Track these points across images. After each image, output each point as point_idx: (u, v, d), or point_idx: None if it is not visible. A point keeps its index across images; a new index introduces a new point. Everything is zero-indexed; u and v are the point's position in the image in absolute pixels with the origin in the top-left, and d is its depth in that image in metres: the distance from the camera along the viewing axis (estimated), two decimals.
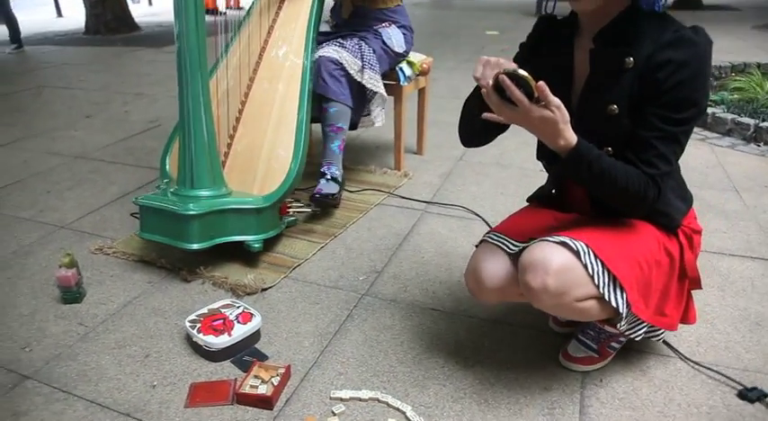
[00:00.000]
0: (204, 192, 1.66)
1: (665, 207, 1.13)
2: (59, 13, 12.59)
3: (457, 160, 2.61)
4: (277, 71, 1.94)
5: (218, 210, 1.63)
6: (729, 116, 3.08)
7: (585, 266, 1.02)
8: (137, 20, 8.50)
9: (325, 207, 1.99)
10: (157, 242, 1.67)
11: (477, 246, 1.25)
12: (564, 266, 1.02)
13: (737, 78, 3.97)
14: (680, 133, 1.01)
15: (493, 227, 1.28)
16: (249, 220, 1.68)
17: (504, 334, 1.44)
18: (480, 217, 2.04)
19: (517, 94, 0.93)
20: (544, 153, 1.21)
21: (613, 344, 1.27)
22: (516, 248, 1.15)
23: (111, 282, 1.69)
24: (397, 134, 2.38)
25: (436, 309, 1.54)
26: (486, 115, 1.00)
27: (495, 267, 1.16)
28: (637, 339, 1.17)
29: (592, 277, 1.03)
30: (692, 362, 1.31)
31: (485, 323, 1.48)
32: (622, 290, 1.04)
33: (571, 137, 0.98)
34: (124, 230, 2.02)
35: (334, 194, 1.95)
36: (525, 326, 1.46)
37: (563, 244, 1.04)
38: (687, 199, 1.20)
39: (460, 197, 2.22)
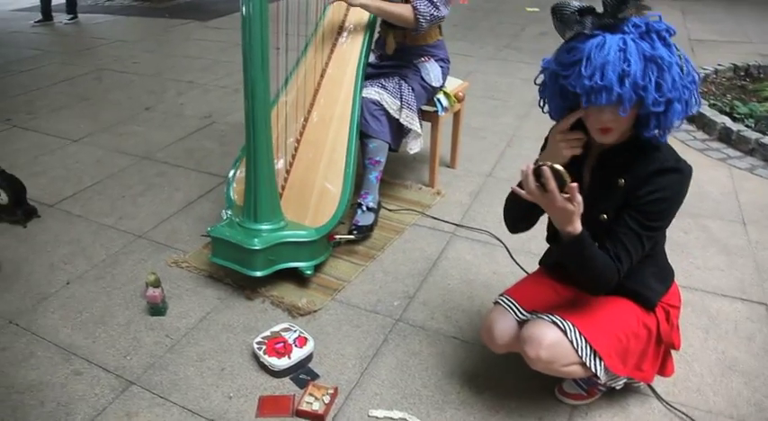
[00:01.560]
0: (265, 226, 1.96)
1: (644, 289, 1.38)
2: None
3: (486, 176, 2.85)
4: (329, 112, 2.20)
5: (278, 243, 1.93)
6: (754, 135, 3.19)
7: (571, 342, 1.30)
8: None
9: (363, 237, 2.28)
10: (226, 267, 1.99)
11: (494, 304, 1.52)
12: (554, 342, 1.30)
13: None
14: (645, 237, 1.25)
15: (506, 291, 1.54)
16: (303, 250, 1.99)
17: (512, 365, 1.72)
18: (503, 243, 2.29)
19: (552, 184, 1.14)
20: (552, 234, 1.46)
21: (600, 387, 1.55)
22: (524, 317, 1.42)
23: (188, 296, 2.03)
24: (432, 156, 2.63)
25: (457, 338, 1.84)
26: (514, 189, 1.24)
27: (505, 328, 1.44)
28: (618, 388, 1.45)
29: (576, 350, 1.30)
30: (665, 402, 1.59)
31: (496, 354, 1.77)
32: (601, 359, 1.32)
33: (578, 227, 1.21)
34: (192, 242, 2.35)
35: (370, 225, 2.25)
36: None
37: (554, 323, 1.31)
38: (667, 280, 1.45)
39: (487, 219, 2.48)
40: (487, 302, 1.98)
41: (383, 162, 2.29)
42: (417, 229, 2.41)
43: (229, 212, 2.12)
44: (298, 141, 2.21)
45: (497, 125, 3.46)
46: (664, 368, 1.50)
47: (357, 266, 2.15)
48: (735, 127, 3.32)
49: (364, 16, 2.32)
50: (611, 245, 1.26)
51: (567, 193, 1.15)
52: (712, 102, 3.80)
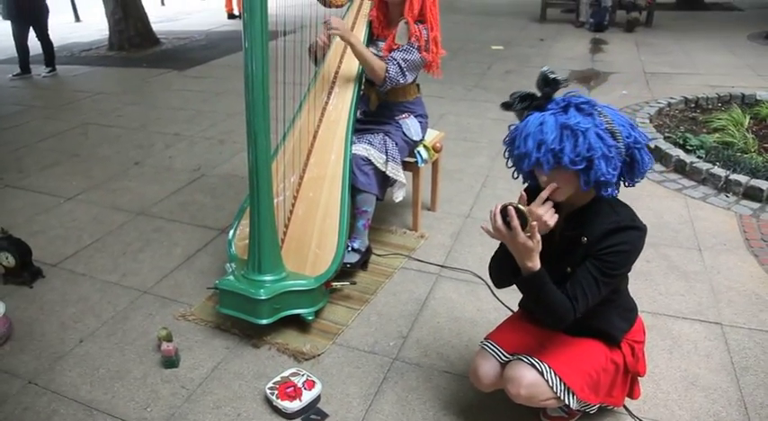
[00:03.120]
0: (269, 277, 2.14)
1: (611, 328, 1.59)
2: (77, 18, 13.00)
3: (465, 217, 3.08)
4: (323, 170, 2.41)
5: (281, 292, 2.11)
6: (705, 166, 3.50)
7: (547, 381, 1.49)
8: (153, 24, 8.86)
9: (349, 271, 2.47)
10: (233, 316, 2.16)
11: (479, 348, 1.70)
12: (532, 382, 1.50)
13: (720, 117, 4.34)
14: (602, 282, 1.42)
15: (489, 335, 1.72)
16: (304, 297, 2.17)
17: (500, 394, 1.90)
18: (484, 281, 2.50)
19: (515, 222, 1.34)
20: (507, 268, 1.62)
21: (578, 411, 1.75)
22: (505, 359, 1.62)
23: (198, 347, 2.18)
24: (415, 202, 2.84)
25: (449, 372, 2.03)
26: (483, 227, 1.43)
27: (489, 370, 1.64)
28: (591, 412, 1.66)
29: (551, 388, 1.49)
30: (638, 418, 1.79)
31: None
32: (574, 393, 1.51)
33: (537, 263, 1.39)
34: (196, 295, 2.50)
35: (353, 263, 2.46)
36: None
37: (533, 365, 1.51)
38: (630, 318, 1.65)
39: (468, 259, 2.69)
40: (474, 338, 2.18)
41: (370, 211, 2.50)
42: (405, 272, 2.60)
43: (233, 265, 2.28)
44: (295, 198, 2.41)
45: (472, 166, 3.71)
46: (632, 392, 1.71)
47: (353, 310, 2.33)
48: (688, 159, 3.63)
49: (352, 73, 2.56)
50: (571, 287, 1.43)
51: (528, 232, 1.35)
52: (667, 134, 4.13)
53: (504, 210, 1.37)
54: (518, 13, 10.52)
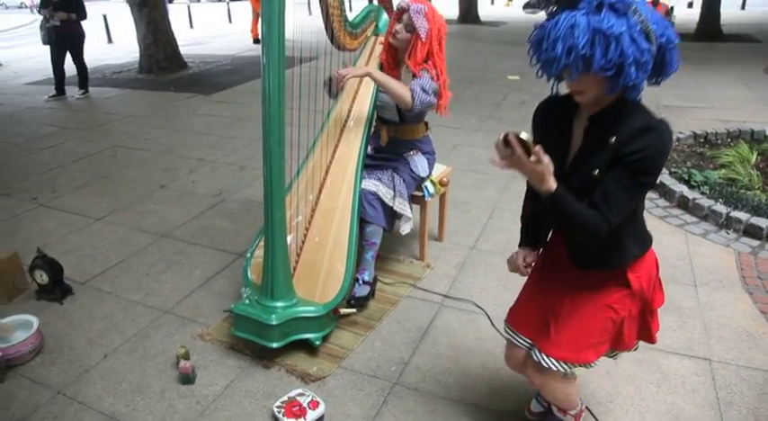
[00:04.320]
0: (281, 304, 2.30)
1: (622, 251, 1.54)
2: (110, 40, 13.56)
3: (470, 248, 3.22)
4: (334, 203, 2.58)
5: (292, 318, 2.27)
6: (707, 202, 3.60)
7: (557, 370, 1.62)
8: (181, 47, 9.22)
9: (360, 306, 2.62)
10: (246, 338, 2.32)
11: (504, 332, 1.84)
12: (543, 382, 1.69)
13: (727, 153, 4.44)
14: (635, 192, 1.39)
15: (507, 317, 1.83)
16: (313, 323, 2.32)
17: (492, 419, 2.04)
18: (484, 311, 2.63)
19: (518, 150, 1.32)
20: (529, 195, 1.72)
21: None
22: (524, 343, 1.74)
23: (213, 366, 2.34)
24: (422, 233, 3.00)
25: (446, 398, 2.16)
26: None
27: (513, 358, 1.81)
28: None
29: (558, 371, 1.63)
30: None
31: (479, 410, 2.09)
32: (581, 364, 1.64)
33: (552, 184, 1.37)
34: (213, 316, 2.67)
35: (365, 296, 2.62)
36: (507, 414, 2.07)
37: (540, 364, 1.63)
38: (644, 245, 1.59)
39: (471, 289, 2.83)
40: (472, 365, 2.31)
41: (378, 243, 2.66)
42: (410, 301, 2.75)
43: (248, 290, 2.45)
44: (307, 228, 2.58)
45: (480, 198, 3.86)
46: (649, 334, 1.73)
47: (358, 336, 2.48)
48: (691, 195, 3.73)
49: (364, 112, 2.74)
50: (601, 197, 1.39)
51: (534, 157, 1.33)
52: (673, 169, 4.23)
53: (505, 140, 1.35)
54: None
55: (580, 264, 1.59)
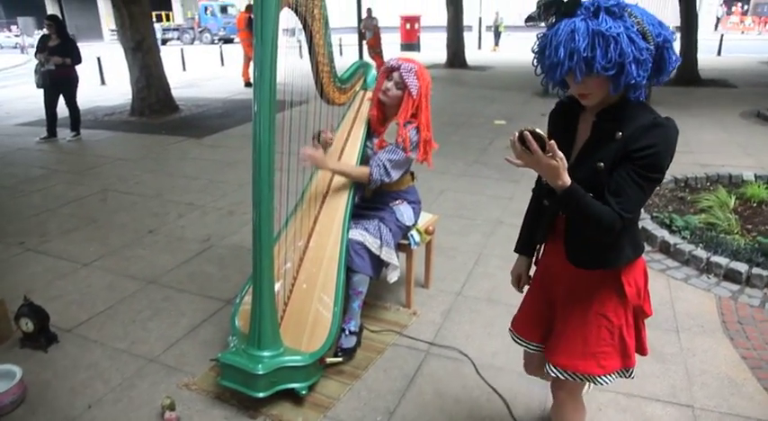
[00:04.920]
0: (267, 353, 2.31)
1: (618, 253, 1.58)
2: (103, 81, 13.74)
3: (456, 295, 3.25)
4: (321, 253, 2.62)
5: (278, 367, 2.28)
6: (688, 247, 3.68)
7: (568, 378, 1.69)
8: (173, 89, 9.36)
9: (348, 358, 2.64)
10: (232, 388, 2.32)
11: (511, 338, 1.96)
12: (561, 401, 1.84)
13: (707, 197, 4.55)
14: (645, 187, 1.44)
15: (513, 324, 1.95)
16: (299, 372, 2.33)
17: None
18: (470, 359, 2.65)
19: (534, 145, 1.36)
20: (543, 192, 1.67)
21: None
22: (534, 348, 1.87)
23: (198, 417, 2.33)
24: (408, 280, 3.04)
25: None
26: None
27: (530, 363, 2.02)
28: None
29: (567, 379, 1.70)
30: None
31: None
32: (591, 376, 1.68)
33: (567, 179, 1.40)
34: (199, 365, 2.67)
35: (353, 347, 2.64)
36: None
37: (558, 381, 1.77)
38: (638, 251, 1.64)
39: (456, 336, 2.85)
40: (458, 414, 2.32)
41: (365, 292, 2.69)
42: (396, 349, 2.76)
43: (235, 339, 2.46)
44: (295, 277, 2.61)
45: (466, 244, 3.92)
46: (642, 347, 1.79)
47: (344, 385, 2.48)
48: (672, 239, 3.81)
49: (351, 164, 2.80)
50: (614, 194, 1.44)
51: (549, 152, 1.37)
52: (655, 214, 4.32)
53: (521, 137, 1.39)
54: (522, 87, 10.99)
55: (578, 262, 1.63)
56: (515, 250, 1.92)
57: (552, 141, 1.37)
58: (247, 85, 11.97)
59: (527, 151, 1.38)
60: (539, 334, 1.82)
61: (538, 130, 1.37)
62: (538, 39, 1.45)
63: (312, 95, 2.71)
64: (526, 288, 1.94)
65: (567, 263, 1.65)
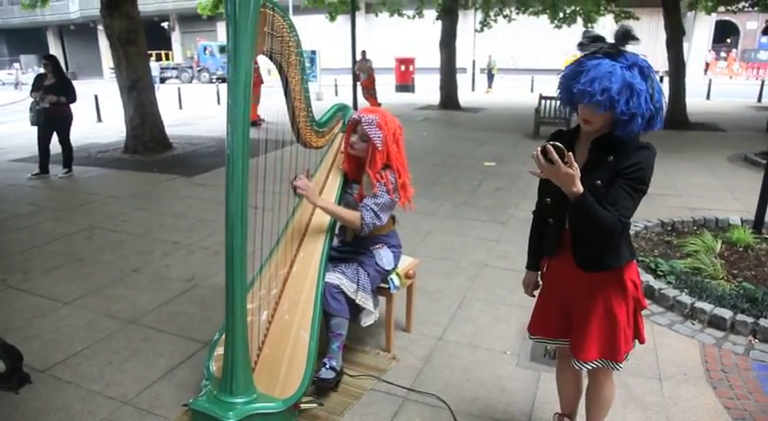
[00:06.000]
0: (240, 400, 2.26)
1: (618, 254, 1.88)
2: (99, 119, 13.89)
3: (438, 340, 3.22)
4: (297, 297, 2.61)
5: (250, 414, 2.23)
6: (672, 293, 3.67)
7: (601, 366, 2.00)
8: (166, 126, 9.45)
9: (322, 389, 2.60)
10: None
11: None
12: (599, 376, 2.11)
13: (693, 241, 4.56)
14: (635, 196, 1.75)
15: (530, 327, 2.20)
16: (272, 419, 2.28)
17: None
18: (448, 406, 2.61)
19: (555, 156, 1.62)
20: (549, 211, 2.00)
21: None
22: (554, 343, 2.15)
23: None
24: (387, 325, 3.01)
25: None
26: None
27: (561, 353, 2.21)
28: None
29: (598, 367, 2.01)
30: None
31: None
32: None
33: (581, 187, 1.67)
34: (173, 408, 2.61)
35: (329, 379, 2.60)
36: None
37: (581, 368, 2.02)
38: (632, 251, 1.95)
39: (435, 382, 2.81)
40: None
41: (345, 334, 2.67)
42: (374, 394, 2.72)
43: (208, 384, 2.42)
44: (270, 322, 2.59)
45: (450, 286, 3.90)
46: (640, 335, 2.04)
47: None
48: (657, 285, 3.80)
49: (327, 216, 2.82)
50: (613, 204, 1.73)
51: (567, 162, 1.63)
52: (640, 258, 4.33)
53: (543, 150, 1.63)
54: (513, 129, 11.16)
55: (586, 267, 1.89)
56: (527, 267, 2.23)
57: (570, 153, 1.63)
58: (253, 123, 12.10)
59: (549, 163, 1.63)
60: (555, 331, 2.08)
61: (558, 144, 1.63)
62: (572, 63, 1.76)
63: (290, 137, 2.75)
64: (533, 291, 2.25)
65: (576, 269, 1.91)
